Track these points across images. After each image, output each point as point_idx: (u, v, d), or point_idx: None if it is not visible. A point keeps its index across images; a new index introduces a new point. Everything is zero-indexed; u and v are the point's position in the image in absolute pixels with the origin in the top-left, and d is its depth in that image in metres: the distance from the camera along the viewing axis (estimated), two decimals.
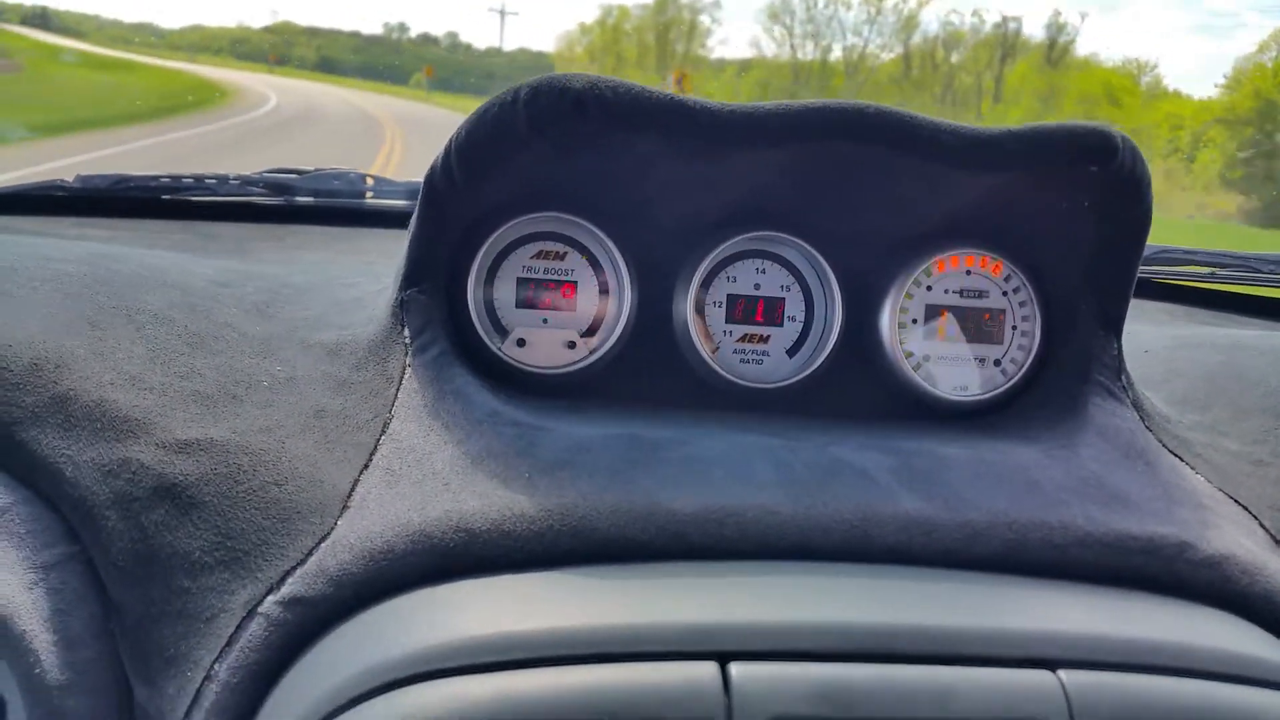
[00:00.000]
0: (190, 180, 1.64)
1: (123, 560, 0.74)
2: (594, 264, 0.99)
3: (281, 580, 0.71)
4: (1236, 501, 0.88)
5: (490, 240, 0.97)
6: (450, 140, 0.87)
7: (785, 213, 0.99)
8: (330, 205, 1.67)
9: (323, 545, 0.72)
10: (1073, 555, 0.78)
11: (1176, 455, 0.91)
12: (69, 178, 1.60)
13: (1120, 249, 0.94)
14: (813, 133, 0.85)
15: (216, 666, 0.69)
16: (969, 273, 1.01)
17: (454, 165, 0.87)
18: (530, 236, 0.99)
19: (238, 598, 0.71)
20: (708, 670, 0.63)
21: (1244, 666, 0.69)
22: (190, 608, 0.71)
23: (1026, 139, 0.86)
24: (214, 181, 1.64)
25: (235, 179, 1.66)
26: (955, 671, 0.65)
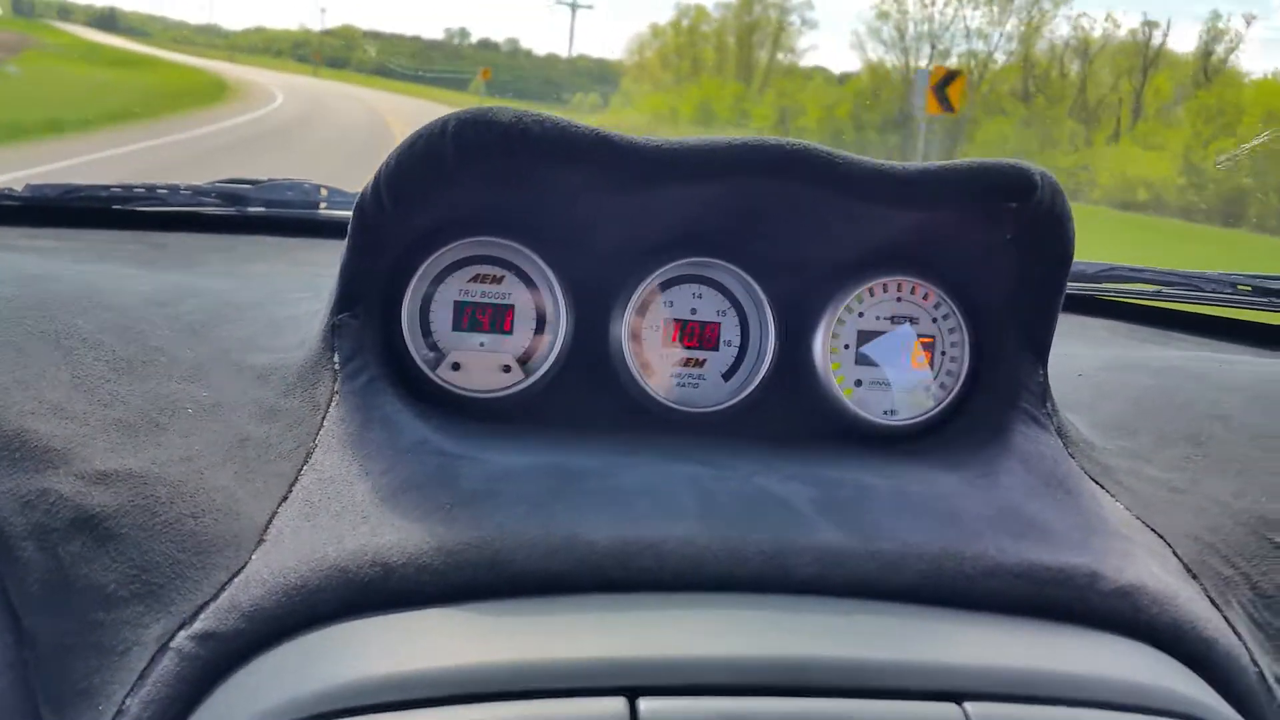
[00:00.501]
0: (141, 190, 1.63)
1: (38, 591, 0.73)
2: (531, 287, 1.00)
3: (195, 615, 0.70)
4: (1153, 530, 0.89)
5: (426, 264, 0.97)
6: (379, 169, 0.87)
7: (719, 240, 0.99)
8: (282, 216, 1.67)
9: (236, 579, 0.72)
10: (985, 586, 0.78)
11: (1098, 482, 0.92)
12: (18, 187, 1.59)
13: (1044, 280, 0.95)
14: (734, 169, 0.86)
15: (128, 701, 0.69)
16: (899, 299, 1.02)
17: (383, 193, 0.88)
18: (468, 259, 0.99)
19: (151, 631, 0.70)
20: (616, 706, 0.63)
21: (1150, 697, 0.70)
22: (104, 641, 0.71)
23: (943, 177, 0.88)
24: (165, 191, 1.63)
25: (186, 189, 1.65)
26: (862, 704, 0.66)
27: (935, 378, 1.03)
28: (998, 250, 0.94)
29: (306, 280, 1.23)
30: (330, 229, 1.67)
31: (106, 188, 1.61)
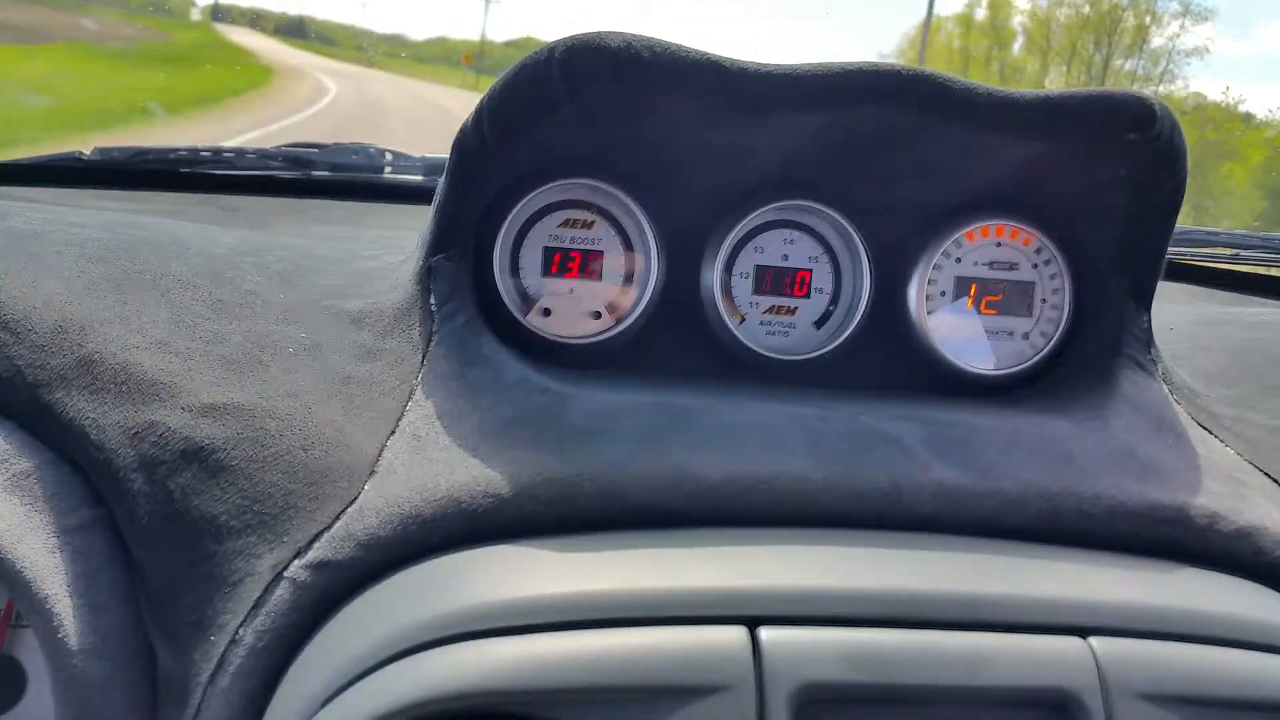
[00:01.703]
0: (208, 154, 1.63)
1: (148, 524, 0.73)
2: (621, 233, 0.98)
3: (309, 544, 0.70)
4: (1266, 474, 0.87)
5: (518, 208, 0.96)
6: (482, 100, 0.86)
7: (815, 182, 0.98)
8: (348, 180, 1.67)
9: (350, 510, 0.71)
10: (1105, 525, 0.77)
11: (1206, 429, 0.90)
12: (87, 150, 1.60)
13: (1153, 221, 0.92)
14: (848, 95, 0.84)
15: (242, 630, 0.68)
16: (999, 245, 1.00)
17: (485, 126, 0.86)
18: (557, 204, 0.98)
19: (264, 562, 0.70)
20: (737, 635, 0.62)
21: (1274, 635, 0.69)
22: (216, 572, 0.71)
23: (1064, 104, 0.85)
24: (232, 155, 1.63)
25: (253, 153, 1.65)
26: (986, 638, 0.65)
27: (1035, 325, 1.00)
28: (1107, 189, 0.92)
29: (381, 240, 1.22)
30: (395, 193, 1.67)
31: (175, 150, 1.61)
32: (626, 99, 0.85)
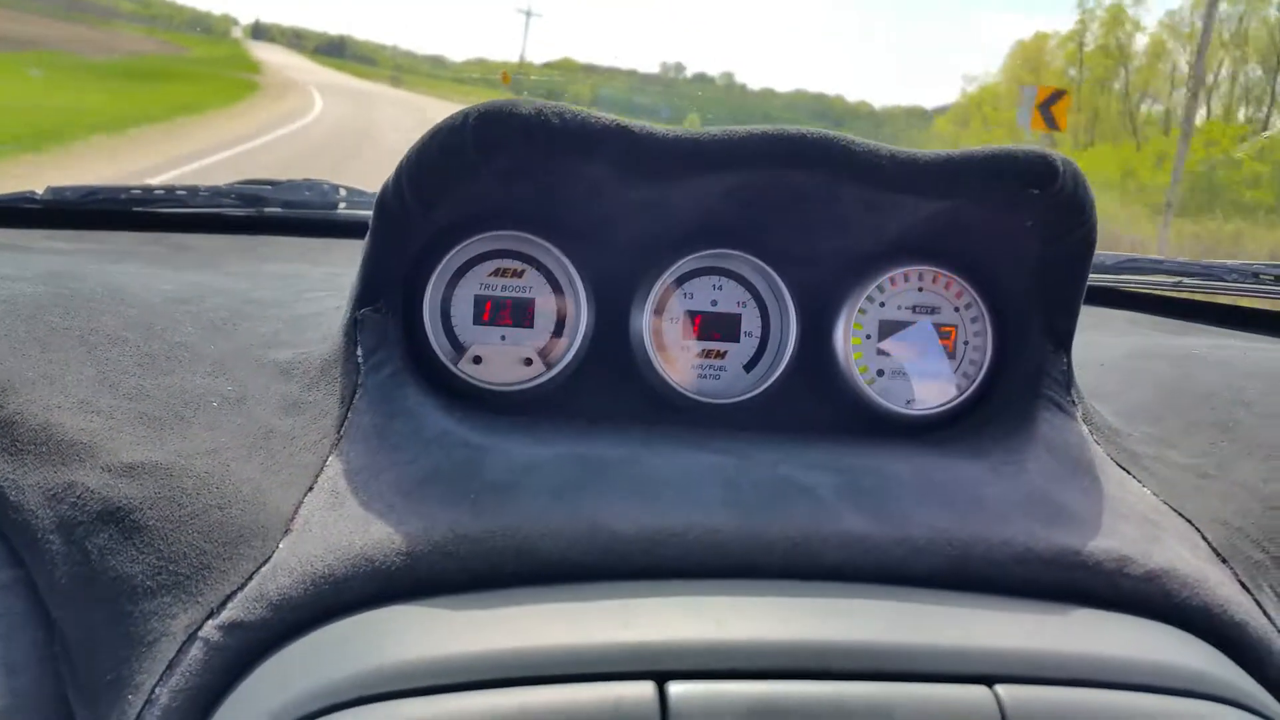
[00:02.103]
0: (161, 192, 1.64)
1: (66, 584, 0.74)
2: (551, 281, 1.00)
3: (222, 605, 0.71)
4: (1181, 515, 0.89)
5: (446, 259, 0.97)
6: (400, 163, 0.88)
7: (738, 231, 0.99)
8: (301, 217, 1.68)
9: (263, 569, 0.72)
10: (1013, 571, 0.78)
11: (1124, 469, 0.92)
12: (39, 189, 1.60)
13: (1066, 268, 0.94)
14: (754, 160, 0.86)
15: (158, 690, 0.69)
16: (921, 289, 1.02)
17: (405, 187, 0.88)
18: (488, 254, 0.99)
19: (179, 622, 0.71)
20: (645, 690, 0.63)
21: (1181, 679, 0.70)
22: (132, 631, 0.71)
23: (965, 164, 0.87)
24: (184, 193, 1.64)
25: (206, 190, 1.66)
26: (894, 688, 0.66)
27: (958, 367, 1.02)
28: (1020, 238, 0.94)
29: (325, 279, 1.24)
30: (349, 229, 1.68)
31: (127, 189, 1.62)
32: (539, 162, 0.87)
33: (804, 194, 0.91)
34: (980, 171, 0.88)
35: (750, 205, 0.94)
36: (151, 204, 1.62)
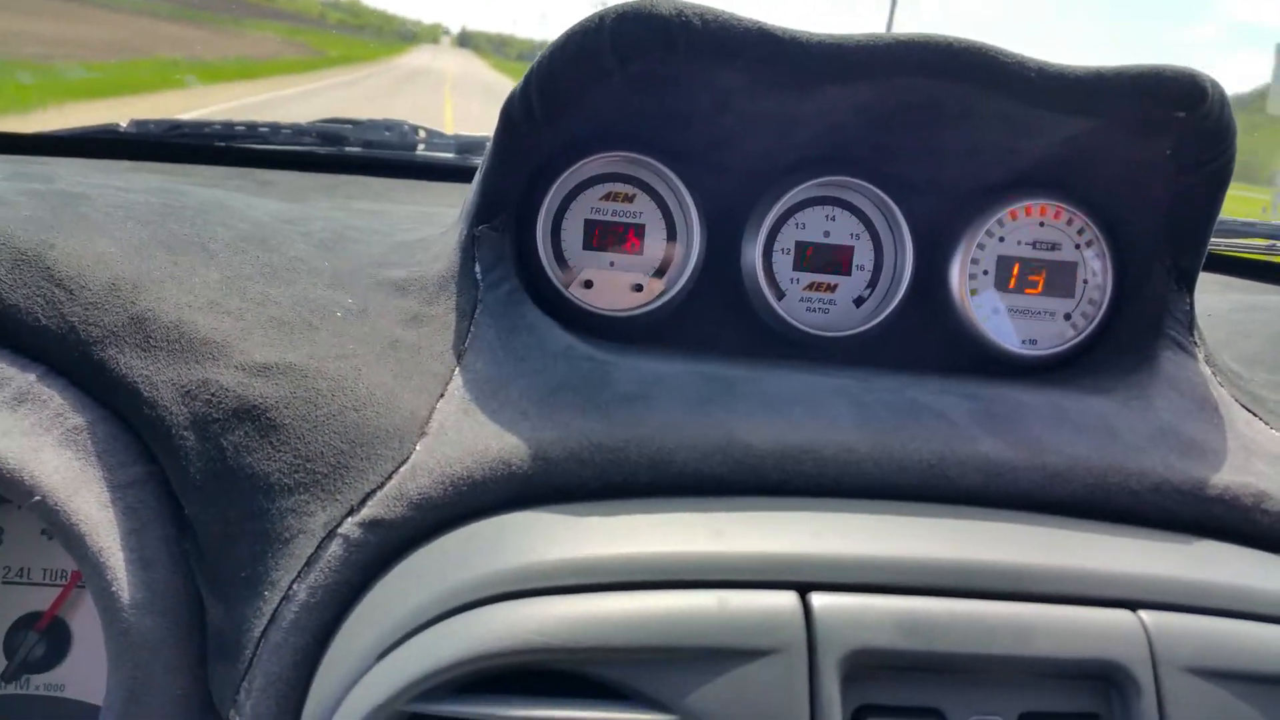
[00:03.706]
0: (242, 128, 1.64)
1: (200, 481, 0.74)
2: (663, 207, 0.98)
3: (361, 503, 0.70)
4: None
5: (560, 180, 0.96)
6: (530, 70, 0.86)
7: (858, 158, 0.97)
8: (381, 157, 1.67)
9: (402, 470, 0.72)
10: (1151, 502, 0.77)
11: (1250, 411, 0.90)
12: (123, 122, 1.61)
13: (1198, 201, 0.92)
14: (899, 67, 0.84)
15: (295, 586, 0.69)
16: (1042, 224, 1.00)
17: (534, 95, 0.85)
18: (599, 177, 0.98)
19: (316, 519, 0.70)
20: (789, 600, 0.62)
21: None
22: (269, 528, 0.71)
23: (1115, 80, 0.85)
24: (266, 130, 1.64)
25: (287, 127, 1.66)
26: (1036, 609, 0.65)
27: (1077, 306, 1.00)
28: (1153, 169, 0.91)
29: (413, 216, 1.23)
30: (428, 171, 1.68)
31: (210, 123, 1.62)
32: (676, 68, 0.85)
33: (941, 110, 0.89)
34: (1130, 87, 0.85)
35: (879, 125, 0.92)
36: (234, 139, 1.62)
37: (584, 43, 0.83)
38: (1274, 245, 1.59)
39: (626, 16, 0.82)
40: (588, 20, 0.83)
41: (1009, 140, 0.92)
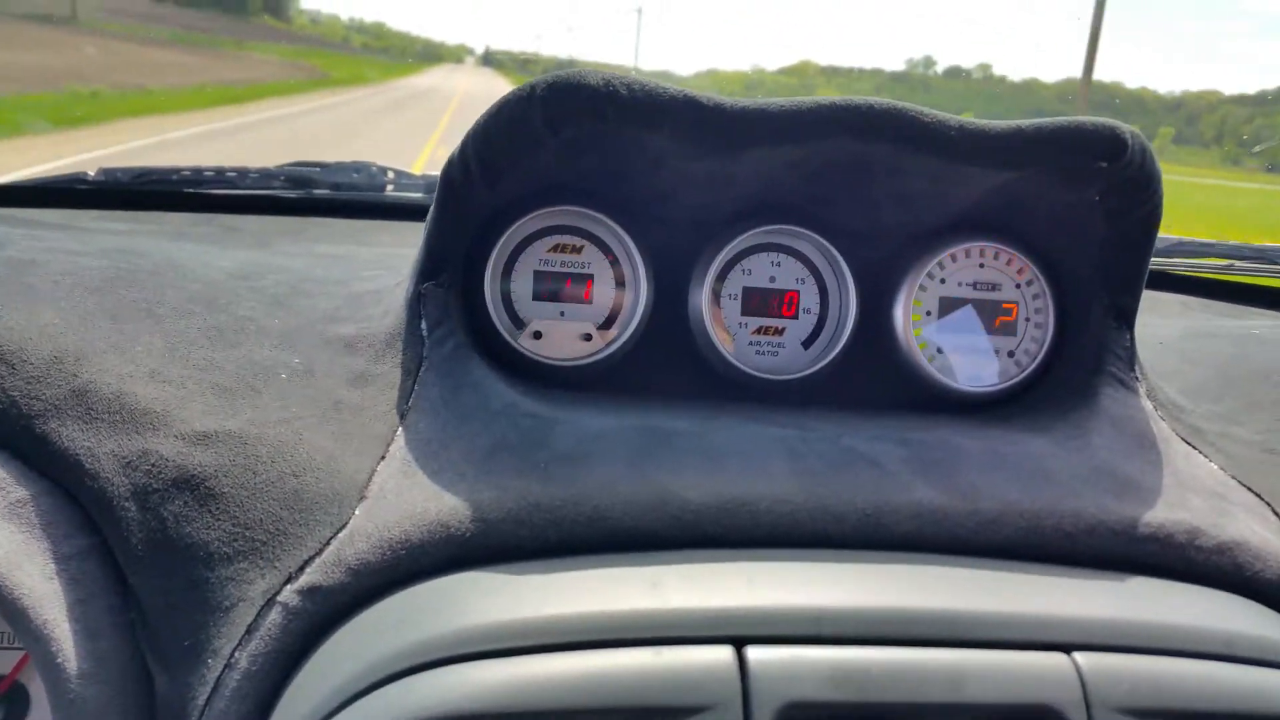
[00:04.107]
0: (211, 173, 1.65)
1: (142, 551, 0.75)
2: (610, 257, 1.00)
3: (300, 569, 0.71)
4: (1249, 489, 0.88)
5: (507, 234, 0.97)
6: (467, 136, 0.88)
7: (798, 207, 0.99)
8: (349, 199, 1.68)
9: (340, 535, 0.73)
10: (1084, 543, 0.78)
11: (1189, 444, 0.91)
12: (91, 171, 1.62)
13: (1131, 244, 0.94)
14: (821, 131, 0.86)
15: (237, 654, 0.70)
16: (982, 265, 1.02)
17: (470, 160, 0.88)
18: (547, 230, 0.99)
19: (256, 587, 0.72)
20: (724, 654, 0.64)
21: (1256, 648, 0.70)
22: (210, 597, 0.72)
23: (1035, 135, 0.87)
24: (234, 175, 1.65)
25: (256, 172, 1.67)
26: (970, 655, 0.66)
27: (1019, 344, 1.02)
28: (1084, 212, 0.93)
29: (377, 259, 1.24)
30: (397, 211, 1.69)
31: (177, 170, 1.63)
32: (607, 134, 0.87)
33: (869, 166, 0.91)
34: (1049, 143, 0.87)
35: (813, 179, 0.94)
36: (202, 185, 1.63)
37: (516, 111, 0.85)
38: (1231, 265, 1.60)
39: (556, 87, 0.84)
40: (520, 90, 0.86)
41: (940, 190, 0.94)
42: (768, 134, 0.86)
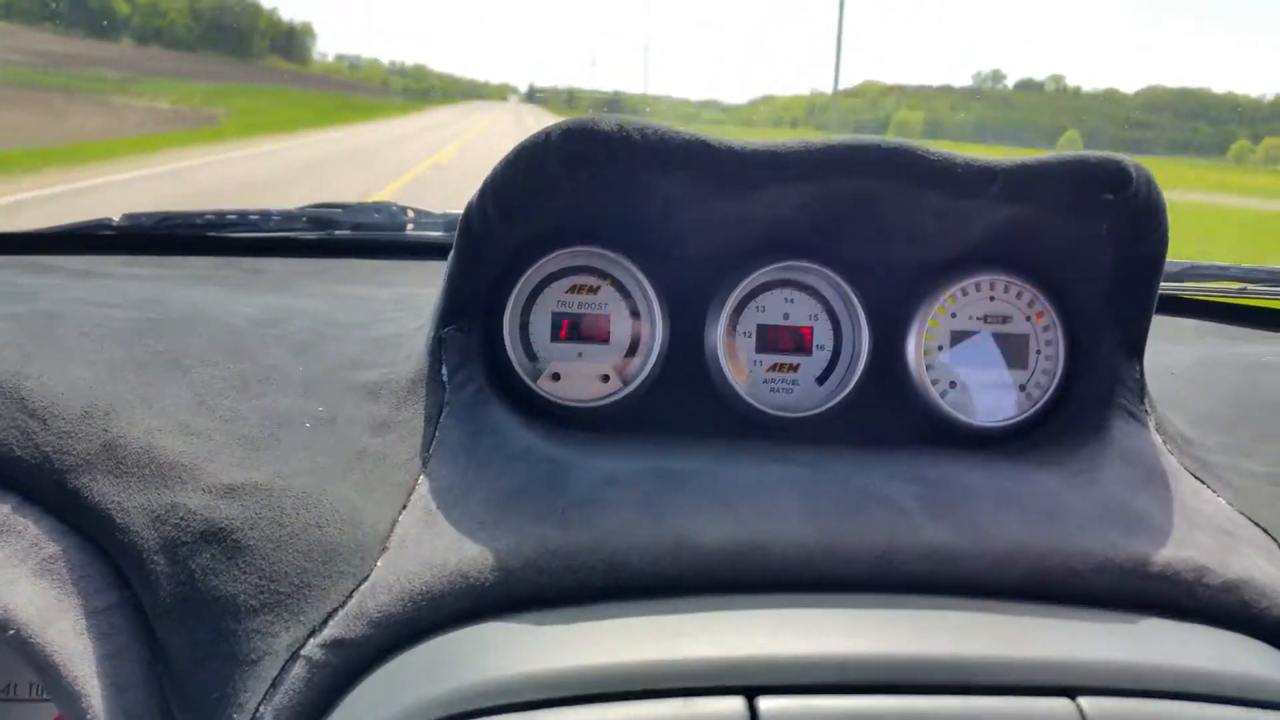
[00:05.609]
0: (234, 217, 1.68)
1: (171, 604, 0.76)
2: (626, 297, 1.02)
3: (323, 623, 0.73)
4: (1257, 524, 0.89)
5: (525, 276, 0.99)
6: (485, 181, 0.90)
7: (810, 244, 1.01)
8: (371, 239, 1.71)
9: (363, 587, 0.74)
10: (1092, 581, 0.79)
11: (1198, 478, 0.92)
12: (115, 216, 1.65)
13: (1138, 275, 0.95)
14: (830, 171, 0.88)
15: (262, 709, 0.71)
16: (993, 299, 1.03)
17: (489, 205, 0.90)
18: (564, 271, 1.01)
19: (281, 640, 0.73)
20: (736, 705, 0.65)
21: (1263, 691, 0.70)
22: (236, 650, 0.74)
23: (1041, 170, 0.88)
24: (257, 217, 1.68)
25: (278, 214, 1.69)
26: (978, 701, 0.67)
27: (1030, 377, 1.03)
28: (1092, 245, 0.94)
29: (399, 300, 1.26)
30: (418, 250, 1.71)
31: (201, 214, 1.66)
32: (621, 178, 0.89)
33: (879, 203, 0.92)
34: (1055, 177, 0.89)
35: (823, 216, 0.96)
36: (224, 229, 1.66)
37: (533, 156, 0.88)
38: (1245, 289, 1.61)
39: (571, 131, 0.87)
40: (536, 136, 0.88)
41: (948, 226, 0.96)
42: (779, 174, 0.88)
